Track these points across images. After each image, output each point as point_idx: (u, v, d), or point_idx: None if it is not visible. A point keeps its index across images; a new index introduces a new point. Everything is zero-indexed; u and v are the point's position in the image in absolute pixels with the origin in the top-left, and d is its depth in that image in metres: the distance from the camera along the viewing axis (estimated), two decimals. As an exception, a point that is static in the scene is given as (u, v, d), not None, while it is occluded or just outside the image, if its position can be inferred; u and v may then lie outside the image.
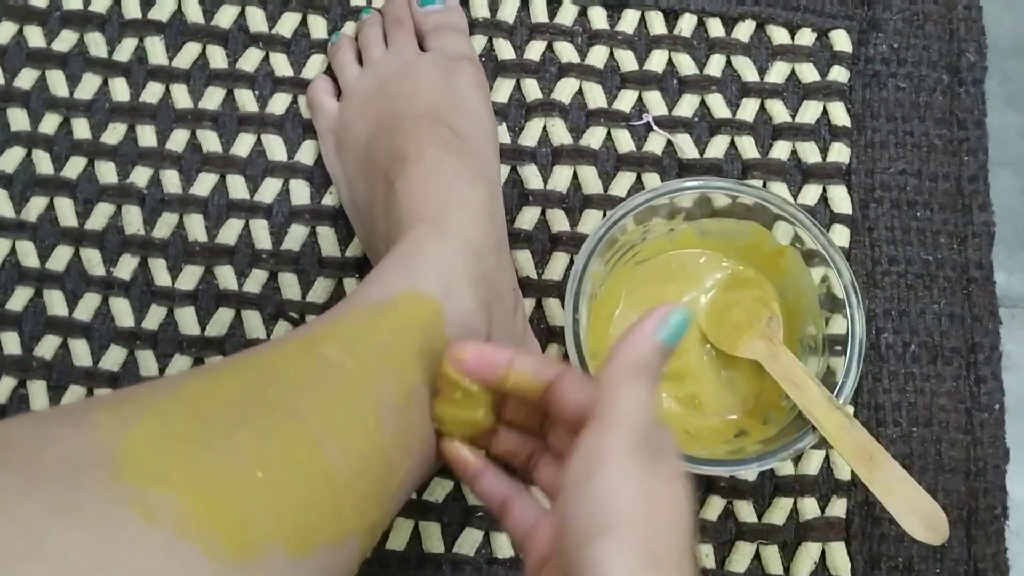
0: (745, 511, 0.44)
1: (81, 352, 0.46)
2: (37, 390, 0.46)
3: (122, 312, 0.47)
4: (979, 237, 0.48)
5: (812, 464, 0.45)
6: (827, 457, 0.45)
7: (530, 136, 0.48)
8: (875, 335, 0.46)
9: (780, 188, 0.48)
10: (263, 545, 0.25)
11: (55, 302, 0.47)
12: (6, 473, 0.23)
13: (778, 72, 0.50)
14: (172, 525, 0.23)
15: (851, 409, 0.45)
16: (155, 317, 0.46)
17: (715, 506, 0.44)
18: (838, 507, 0.44)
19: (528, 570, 0.30)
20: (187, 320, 0.46)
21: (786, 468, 0.45)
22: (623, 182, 0.48)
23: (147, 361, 0.46)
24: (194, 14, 0.50)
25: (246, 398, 0.28)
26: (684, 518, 0.27)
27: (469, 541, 0.44)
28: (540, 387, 0.31)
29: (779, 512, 0.44)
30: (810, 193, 0.48)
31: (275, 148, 0.49)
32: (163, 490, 0.24)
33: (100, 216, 0.48)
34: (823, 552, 0.44)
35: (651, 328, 0.28)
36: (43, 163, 0.49)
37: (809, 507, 0.44)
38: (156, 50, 0.50)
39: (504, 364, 0.31)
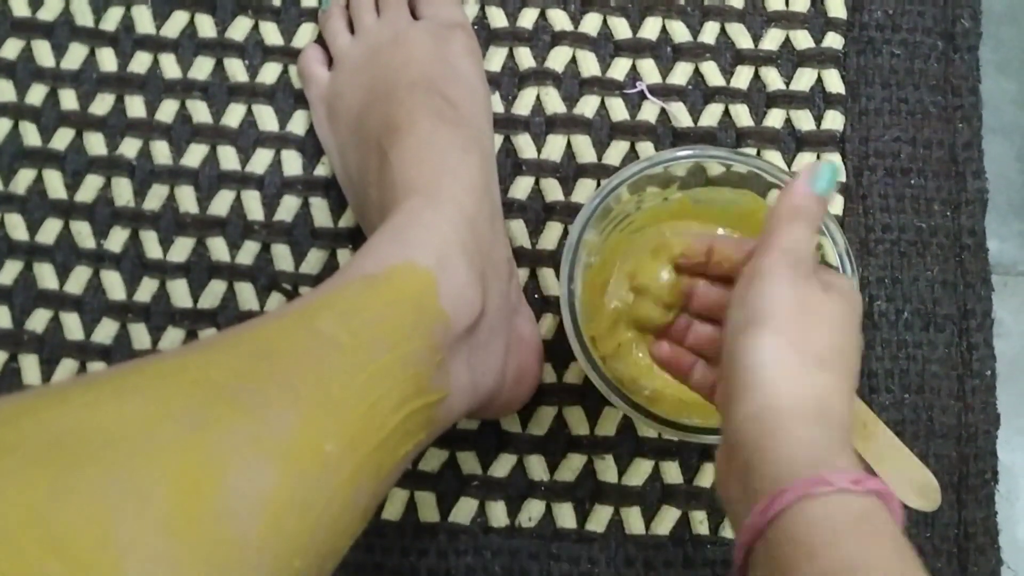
0: (739, 478, 0.44)
1: (73, 326, 0.46)
2: (29, 364, 0.46)
3: (113, 285, 0.46)
4: (972, 204, 0.48)
5: (805, 431, 0.45)
6: (820, 424, 0.45)
7: (523, 105, 0.48)
8: (868, 302, 0.46)
9: (774, 156, 0.48)
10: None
11: (45, 275, 0.46)
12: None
13: (772, 39, 0.49)
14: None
15: (844, 377, 0.45)
16: (147, 290, 0.46)
17: (709, 473, 0.44)
18: (831, 473, 0.44)
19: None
20: (179, 292, 0.46)
21: (779, 435, 0.45)
22: (617, 151, 0.48)
23: (139, 334, 0.46)
24: (181, -18, 0.50)
25: (240, 374, 0.28)
26: (836, 323, 0.31)
27: (464, 510, 0.44)
28: (739, 258, 0.37)
29: (772, 479, 0.44)
30: (804, 161, 0.48)
31: (266, 118, 0.48)
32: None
33: (89, 188, 0.47)
34: (816, 518, 0.44)
35: (804, 181, 0.33)
36: (30, 135, 0.48)
37: (802, 474, 0.44)
38: (143, 19, 0.49)
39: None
